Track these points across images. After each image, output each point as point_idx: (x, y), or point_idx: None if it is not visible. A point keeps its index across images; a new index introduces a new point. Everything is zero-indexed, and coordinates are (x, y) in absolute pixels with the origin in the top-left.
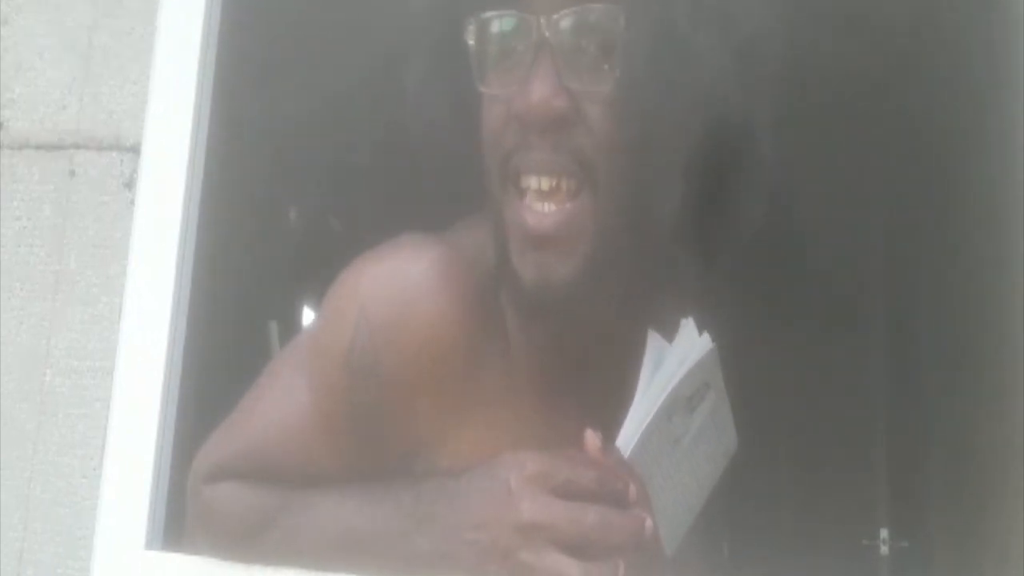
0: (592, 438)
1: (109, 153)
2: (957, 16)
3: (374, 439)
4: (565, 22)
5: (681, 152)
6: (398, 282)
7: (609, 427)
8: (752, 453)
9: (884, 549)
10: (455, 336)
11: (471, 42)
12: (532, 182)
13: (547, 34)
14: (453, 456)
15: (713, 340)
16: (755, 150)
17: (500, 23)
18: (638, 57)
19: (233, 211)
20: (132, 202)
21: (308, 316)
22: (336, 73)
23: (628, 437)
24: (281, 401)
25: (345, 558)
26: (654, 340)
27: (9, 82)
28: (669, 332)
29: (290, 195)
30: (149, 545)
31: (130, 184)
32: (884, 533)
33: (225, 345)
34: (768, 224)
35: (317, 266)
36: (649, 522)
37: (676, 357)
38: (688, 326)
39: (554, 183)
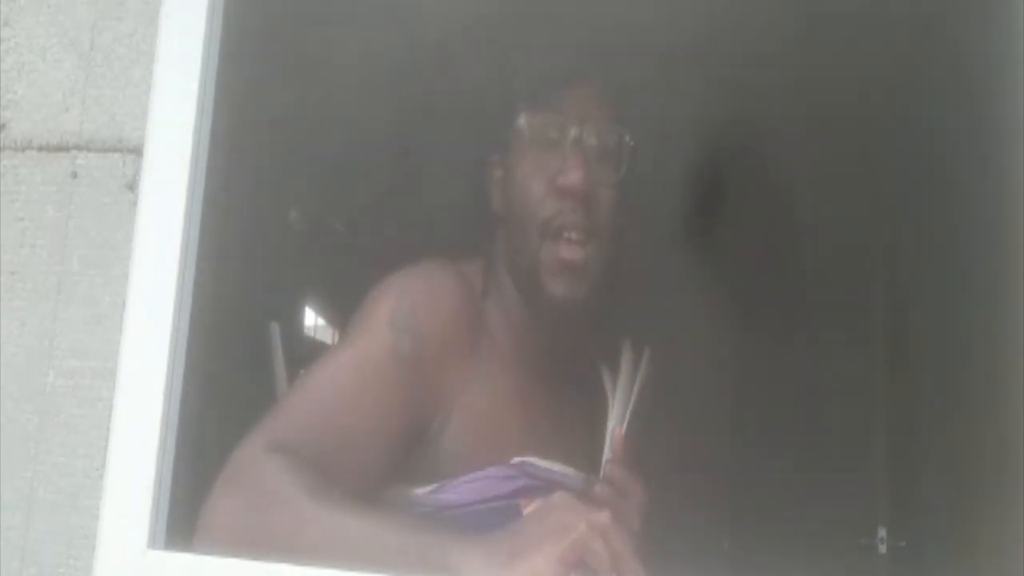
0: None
1: (111, 154)
2: (957, 16)
3: (408, 394)
4: (595, 131)
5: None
6: (431, 279)
7: (576, 404)
8: (752, 453)
9: (882, 548)
10: (468, 318)
11: (522, 131)
12: (571, 235)
13: (582, 136)
14: (459, 421)
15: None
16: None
17: (548, 121)
18: (635, 165)
19: (235, 213)
20: (134, 203)
21: (310, 317)
22: (337, 75)
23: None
24: (330, 372)
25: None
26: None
27: (11, 83)
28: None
29: (292, 196)
30: (152, 544)
31: (132, 185)
32: (882, 532)
33: (227, 346)
34: (768, 227)
35: (319, 268)
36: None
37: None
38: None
39: (583, 235)
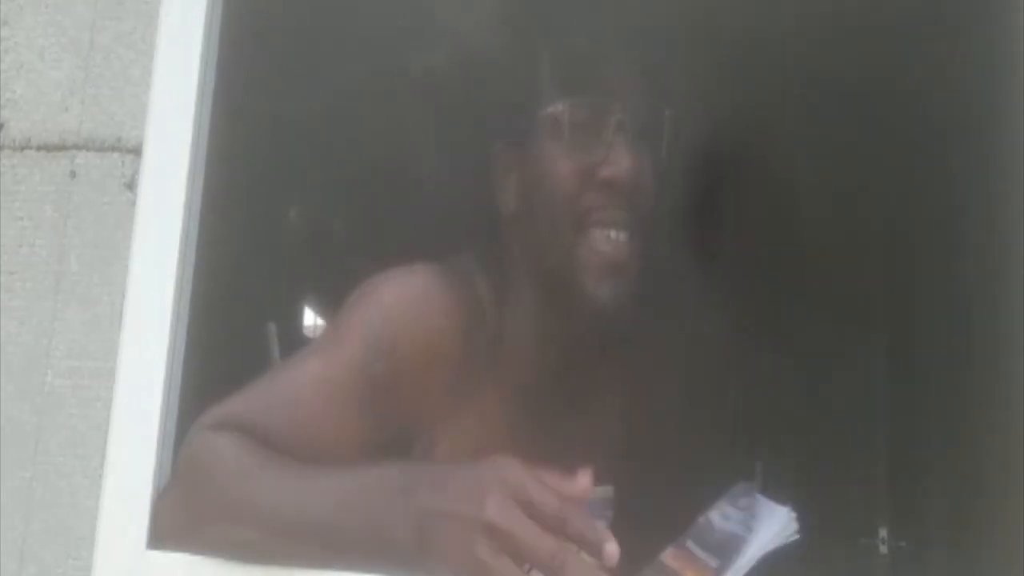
0: (584, 476)
1: (110, 154)
2: (958, 16)
3: (377, 411)
4: (637, 111)
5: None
6: (414, 286)
7: (577, 430)
8: (751, 453)
9: (883, 548)
10: (456, 332)
11: (554, 117)
12: (617, 233)
13: (624, 119)
14: (446, 442)
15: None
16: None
17: (586, 105)
18: (676, 142)
19: (234, 213)
20: (133, 203)
21: (308, 318)
22: (337, 75)
23: None
24: (296, 373)
25: (318, 524)
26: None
27: (10, 82)
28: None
29: (291, 196)
30: (151, 545)
31: (131, 185)
32: (883, 532)
33: (226, 346)
34: (771, 227)
35: (317, 269)
36: None
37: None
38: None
39: (627, 231)
